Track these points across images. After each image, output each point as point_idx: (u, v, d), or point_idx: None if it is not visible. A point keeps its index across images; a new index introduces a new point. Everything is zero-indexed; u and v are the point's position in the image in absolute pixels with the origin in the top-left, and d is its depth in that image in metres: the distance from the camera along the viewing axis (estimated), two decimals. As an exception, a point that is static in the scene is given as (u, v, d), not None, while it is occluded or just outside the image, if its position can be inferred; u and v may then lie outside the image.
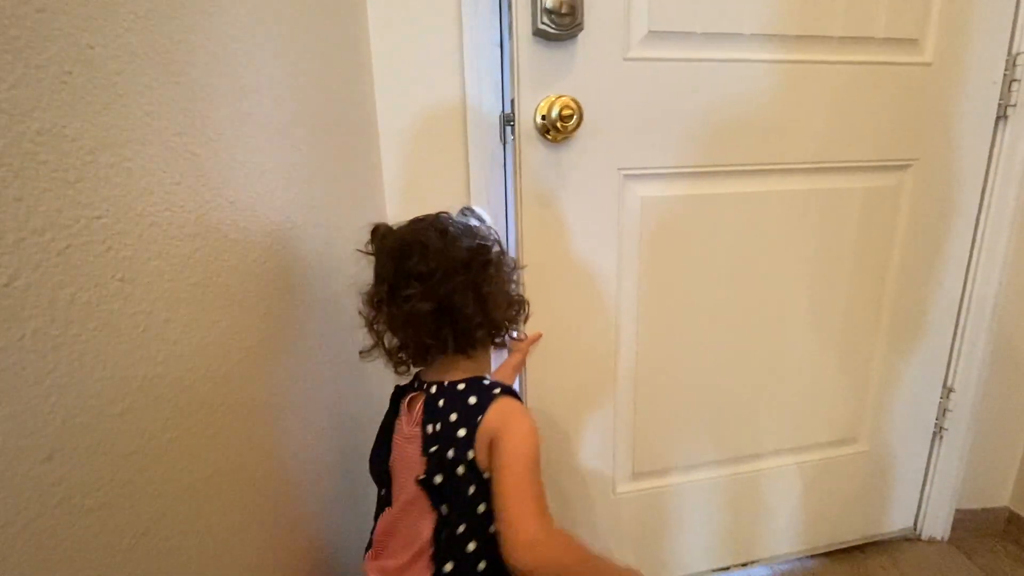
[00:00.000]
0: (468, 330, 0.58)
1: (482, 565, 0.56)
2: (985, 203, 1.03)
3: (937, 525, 1.22)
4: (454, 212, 0.63)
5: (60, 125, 0.31)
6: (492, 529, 0.56)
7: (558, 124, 0.79)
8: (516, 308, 0.64)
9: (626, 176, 0.88)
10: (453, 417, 0.56)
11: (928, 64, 0.93)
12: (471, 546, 0.55)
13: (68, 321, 0.31)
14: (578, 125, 0.80)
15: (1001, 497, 1.24)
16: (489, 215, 0.69)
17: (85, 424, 0.32)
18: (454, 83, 1.03)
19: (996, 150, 1.00)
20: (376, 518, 0.65)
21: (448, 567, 0.55)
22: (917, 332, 1.08)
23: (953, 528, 1.22)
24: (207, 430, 0.45)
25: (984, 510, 1.23)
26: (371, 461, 0.65)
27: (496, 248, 0.61)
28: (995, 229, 1.04)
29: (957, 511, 1.21)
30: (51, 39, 0.30)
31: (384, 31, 1.01)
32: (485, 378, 0.60)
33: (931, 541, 1.23)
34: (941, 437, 1.15)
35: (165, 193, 0.40)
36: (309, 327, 0.68)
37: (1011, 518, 1.22)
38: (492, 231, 0.63)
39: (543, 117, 0.81)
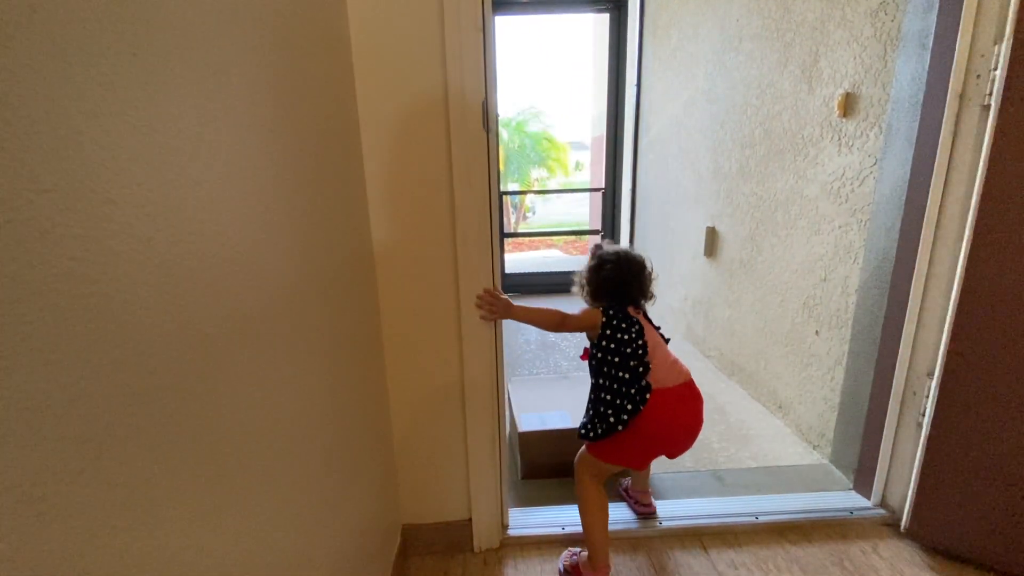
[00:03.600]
0: (636, 292, 1.21)
1: None
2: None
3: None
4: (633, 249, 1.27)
5: (1, 92, 0.29)
6: None
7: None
8: (651, 290, 1.25)
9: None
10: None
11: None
12: None
13: (12, 300, 0.30)
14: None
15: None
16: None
17: (32, 409, 0.31)
18: (435, 69, 1.01)
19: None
20: (632, 384, 1.11)
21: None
22: None
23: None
24: (172, 418, 0.43)
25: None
26: (642, 347, 1.13)
27: (649, 268, 1.23)
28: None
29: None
30: (-13, -1, 0.28)
31: (364, 14, 0.99)
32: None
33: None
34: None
35: (121, 169, 0.38)
36: (284, 316, 0.66)
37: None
38: (648, 261, 1.24)
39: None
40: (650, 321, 1.22)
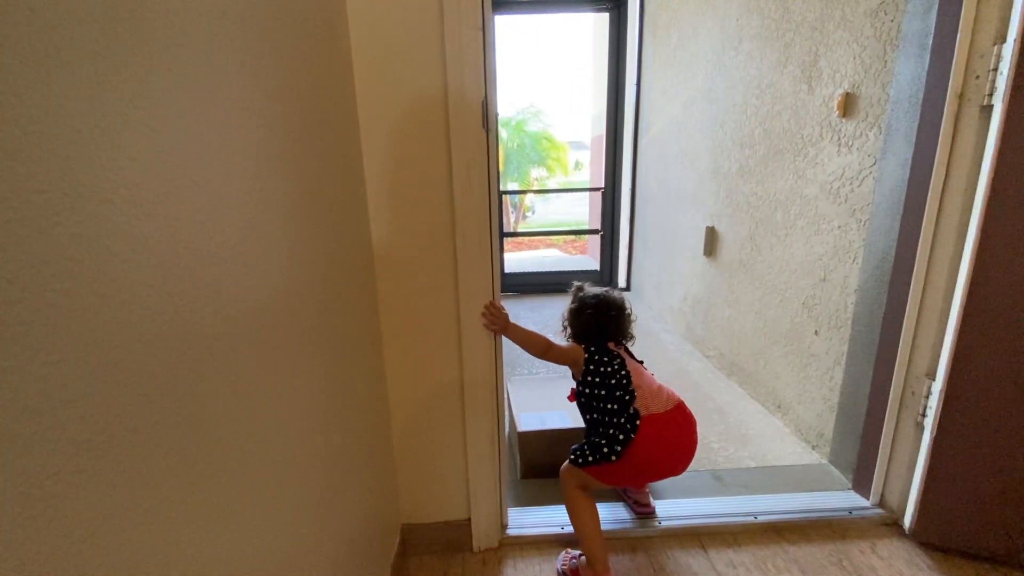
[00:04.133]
0: (615, 333, 1.28)
1: None
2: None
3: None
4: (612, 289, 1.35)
5: (1, 92, 0.29)
6: None
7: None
8: (631, 331, 1.32)
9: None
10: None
11: None
12: None
13: (9, 301, 0.30)
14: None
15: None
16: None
17: (30, 410, 0.31)
18: (435, 68, 1.01)
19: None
20: (621, 413, 1.15)
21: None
22: None
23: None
24: (170, 419, 0.43)
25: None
26: (626, 377, 1.18)
27: (628, 310, 1.31)
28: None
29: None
30: (-15, -2, 0.28)
31: (363, 13, 0.99)
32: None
33: (909, 527, 1.24)
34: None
35: (119, 169, 0.38)
36: (283, 316, 0.66)
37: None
38: (627, 303, 1.32)
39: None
40: (631, 355, 1.28)
